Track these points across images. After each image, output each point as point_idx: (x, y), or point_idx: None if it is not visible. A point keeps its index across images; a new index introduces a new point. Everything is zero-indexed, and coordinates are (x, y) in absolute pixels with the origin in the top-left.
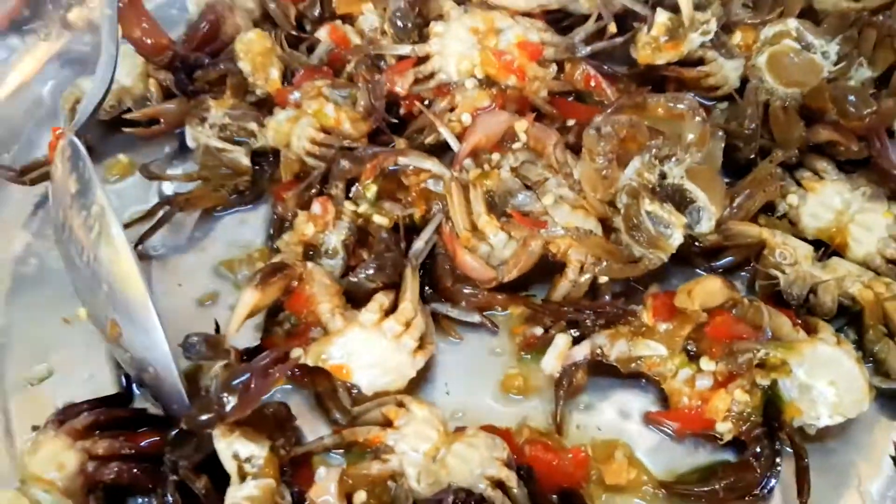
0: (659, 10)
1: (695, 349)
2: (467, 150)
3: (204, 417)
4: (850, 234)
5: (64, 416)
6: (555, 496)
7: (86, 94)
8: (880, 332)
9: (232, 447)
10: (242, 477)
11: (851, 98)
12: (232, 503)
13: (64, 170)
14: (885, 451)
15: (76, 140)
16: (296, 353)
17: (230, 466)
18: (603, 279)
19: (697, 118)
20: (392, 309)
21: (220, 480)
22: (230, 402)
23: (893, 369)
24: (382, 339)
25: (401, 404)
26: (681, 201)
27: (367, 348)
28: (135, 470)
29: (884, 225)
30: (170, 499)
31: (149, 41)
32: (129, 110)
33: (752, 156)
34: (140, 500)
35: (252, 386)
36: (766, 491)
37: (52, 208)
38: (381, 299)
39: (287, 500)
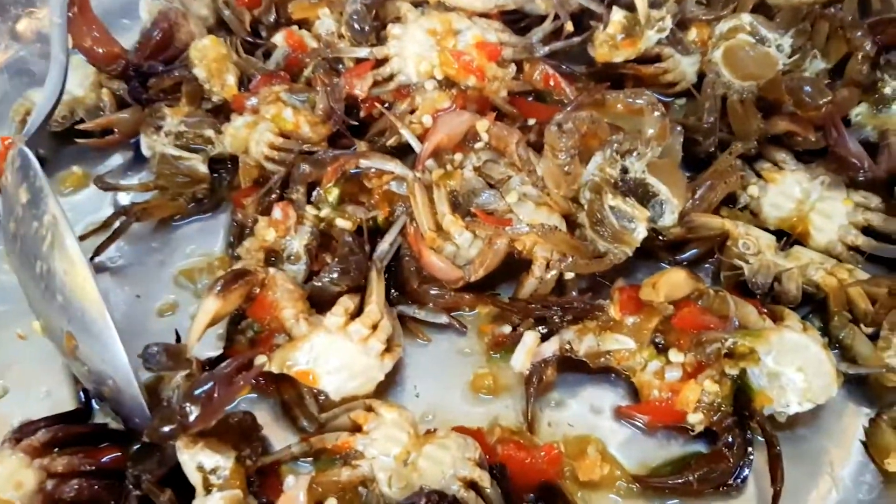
0: (614, 8)
1: (663, 342)
2: (429, 151)
3: (166, 429)
4: (811, 222)
5: (21, 433)
6: (532, 494)
7: (36, 105)
8: (845, 318)
9: (196, 459)
10: (208, 489)
11: (807, 89)
12: None
13: (14, 180)
14: (855, 436)
15: (26, 149)
16: (260, 360)
17: (195, 479)
18: (569, 275)
19: (656, 113)
20: (358, 312)
21: (185, 494)
22: (193, 412)
23: (859, 355)
24: (349, 343)
25: (369, 408)
26: (643, 195)
27: (333, 353)
28: (96, 487)
29: (843, 212)
30: None
31: (100, 50)
32: (81, 121)
33: (712, 149)
34: None
35: (215, 395)
36: (739, 480)
37: (3, 219)
38: (346, 303)
39: None
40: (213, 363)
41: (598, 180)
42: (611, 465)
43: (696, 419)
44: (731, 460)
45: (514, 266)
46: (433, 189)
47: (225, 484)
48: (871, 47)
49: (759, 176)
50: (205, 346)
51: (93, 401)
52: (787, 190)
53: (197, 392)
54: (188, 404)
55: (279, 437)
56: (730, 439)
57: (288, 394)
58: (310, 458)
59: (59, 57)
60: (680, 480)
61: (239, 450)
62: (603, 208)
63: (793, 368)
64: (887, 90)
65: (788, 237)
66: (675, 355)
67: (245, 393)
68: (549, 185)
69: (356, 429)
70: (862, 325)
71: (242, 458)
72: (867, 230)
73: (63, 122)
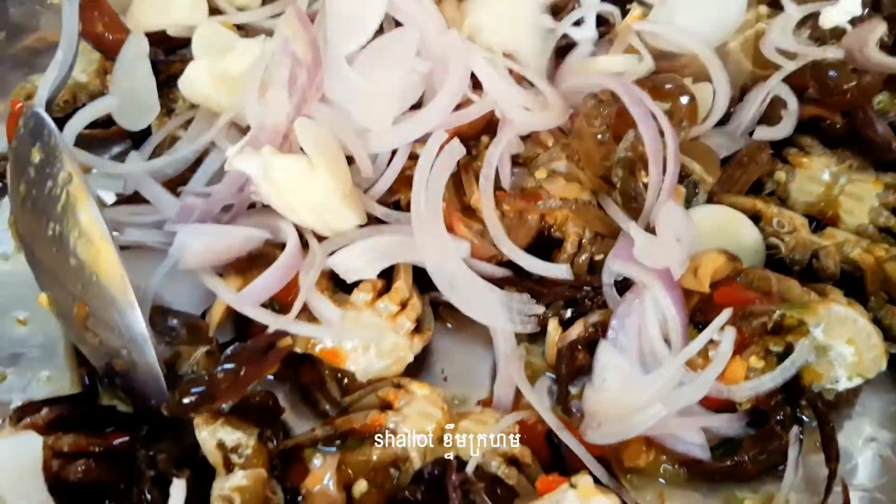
0: None
1: (702, 322)
2: None
3: (190, 399)
4: (841, 205)
5: (23, 412)
6: None
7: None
8: (882, 298)
9: (216, 436)
10: (229, 469)
11: (831, 73)
12: (219, 495)
13: (26, 141)
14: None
15: (40, 111)
16: (284, 341)
17: (215, 457)
18: (600, 257)
19: (685, 97)
20: (385, 291)
21: (202, 481)
22: (220, 384)
23: None
24: (377, 320)
25: (398, 386)
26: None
27: (360, 331)
28: (104, 468)
29: (874, 194)
30: (148, 496)
31: (110, 37)
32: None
33: None
34: None
35: (242, 371)
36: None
37: (11, 185)
38: (373, 280)
39: (279, 497)
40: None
41: (632, 156)
42: (656, 451)
43: (743, 395)
44: (784, 438)
45: (545, 249)
46: (461, 173)
47: (247, 463)
48: None
49: (785, 162)
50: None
51: (98, 385)
52: (815, 174)
53: (225, 367)
54: (216, 376)
55: (297, 426)
56: (780, 416)
57: (308, 377)
58: (336, 443)
59: (72, 21)
60: (731, 462)
61: (261, 430)
62: (637, 185)
63: (842, 341)
64: None
65: (818, 224)
66: (717, 334)
67: (272, 371)
68: (581, 157)
69: (386, 406)
70: None
71: (265, 438)
72: None
73: (65, 106)
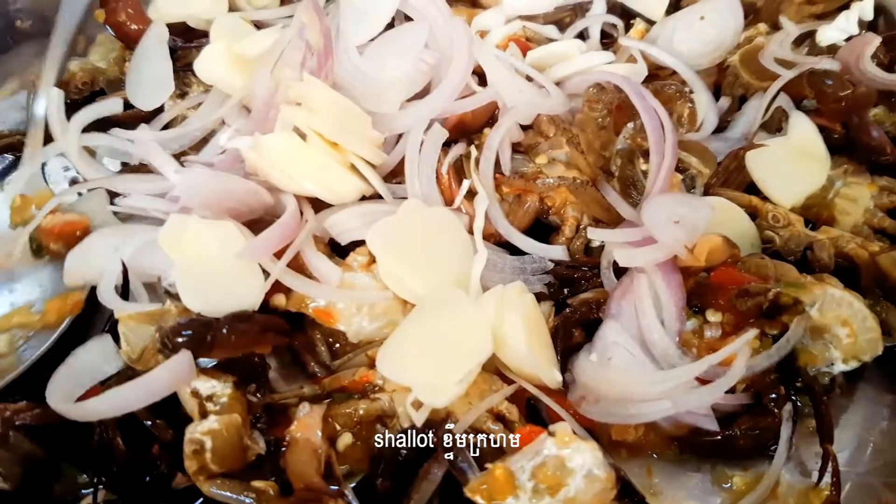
0: None
1: (698, 306)
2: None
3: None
4: (836, 207)
5: None
6: None
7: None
8: (876, 294)
9: (190, 384)
10: (204, 416)
11: (828, 82)
12: (189, 438)
13: None
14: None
15: None
16: (278, 299)
17: (190, 406)
18: (596, 243)
19: (684, 101)
20: None
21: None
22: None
23: (894, 326)
24: (372, 282)
25: None
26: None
27: (354, 291)
28: None
29: (868, 196)
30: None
31: (133, 27)
32: (101, 92)
33: None
34: None
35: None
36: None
37: None
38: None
39: (261, 446)
40: None
41: (631, 145)
42: (645, 426)
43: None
44: (777, 416)
45: (543, 234)
46: (463, 161)
47: (223, 410)
48: None
49: None
50: None
51: None
52: None
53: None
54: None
55: (286, 388)
56: (774, 395)
57: (298, 340)
58: (323, 401)
59: None
60: (722, 436)
61: (244, 384)
62: (635, 172)
63: (838, 321)
64: None
65: (814, 226)
66: (712, 315)
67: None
68: (582, 142)
69: (375, 364)
70: None
71: (244, 389)
72: (893, 213)
73: (83, 88)
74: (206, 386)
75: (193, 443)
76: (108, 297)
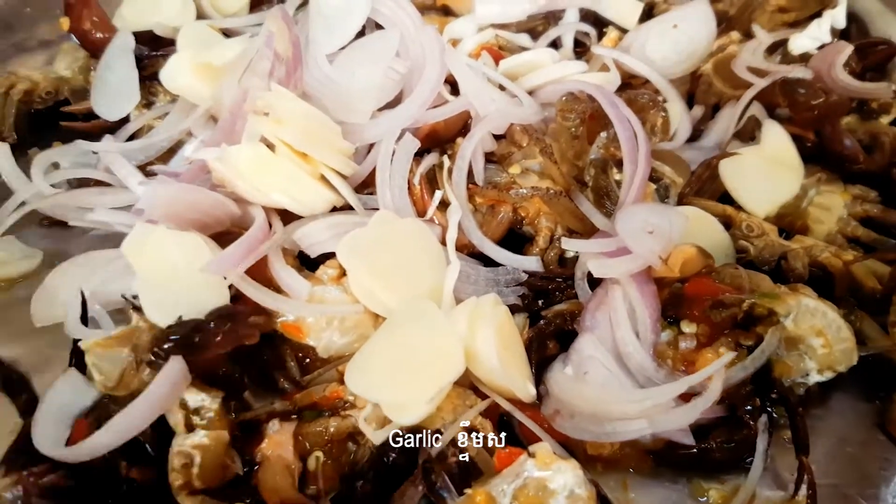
0: None
1: (673, 317)
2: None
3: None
4: (810, 215)
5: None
6: None
7: None
8: (851, 304)
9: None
10: (190, 430)
11: (801, 90)
12: (179, 451)
13: None
14: (867, 414)
15: None
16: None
17: (176, 419)
18: (570, 254)
19: (657, 110)
20: None
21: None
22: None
23: (868, 337)
24: (342, 296)
25: None
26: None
27: (324, 305)
28: None
29: (842, 204)
30: None
31: (98, 35)
32: (66, 101)
33: None
34: None
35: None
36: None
37: None
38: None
39: (238, 465)
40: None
41: (605, 155)
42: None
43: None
44: (752, 428)
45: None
46: (436, 171)
47: (209, 425)
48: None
49: None
50: None
51: None
52: None
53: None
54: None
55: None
56: (749, 407)
57: (268, 356)
58: (293, 417)
59: None
60: (698, 449)
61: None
62: (609, 182)
63: (812, 332)
64: (874, 105)
65: (787, 236)
66: (687, 326)
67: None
68: (555, 152)
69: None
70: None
71: (228, 405)
72: (866, 222)
73: (47, 98)
74: (196, 399)
75: (183, 455)
76: (76, 329)
